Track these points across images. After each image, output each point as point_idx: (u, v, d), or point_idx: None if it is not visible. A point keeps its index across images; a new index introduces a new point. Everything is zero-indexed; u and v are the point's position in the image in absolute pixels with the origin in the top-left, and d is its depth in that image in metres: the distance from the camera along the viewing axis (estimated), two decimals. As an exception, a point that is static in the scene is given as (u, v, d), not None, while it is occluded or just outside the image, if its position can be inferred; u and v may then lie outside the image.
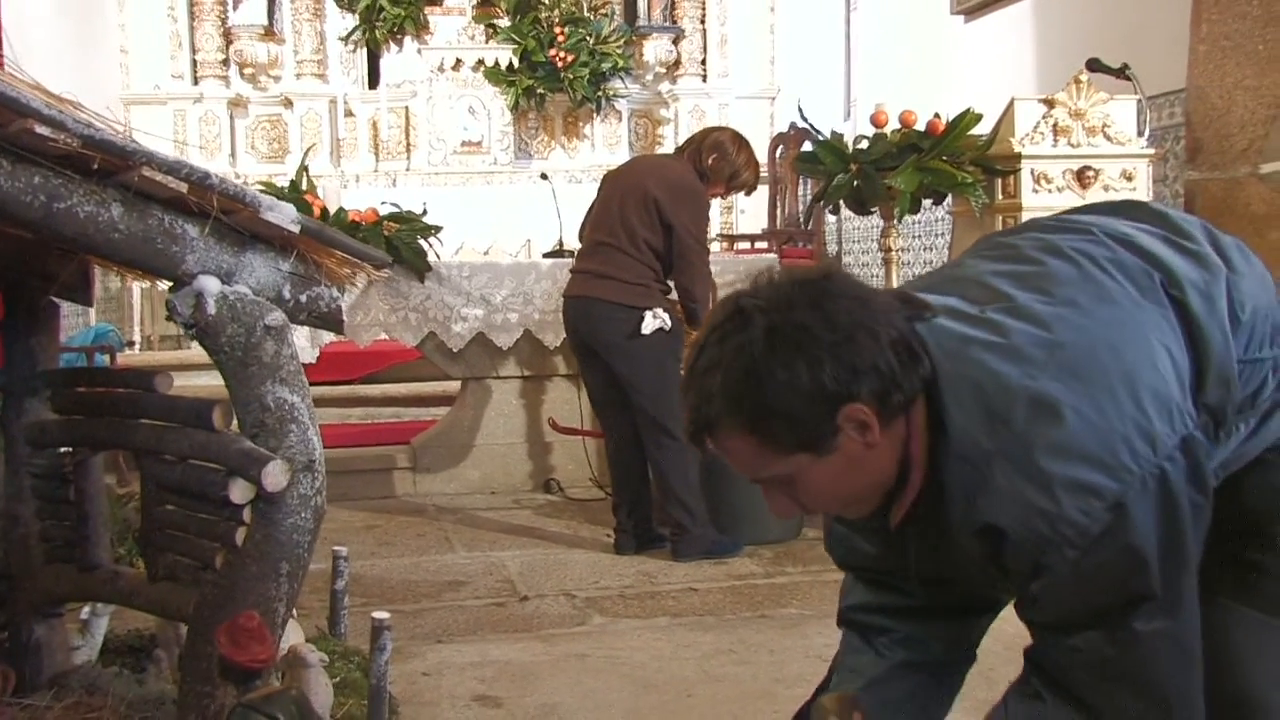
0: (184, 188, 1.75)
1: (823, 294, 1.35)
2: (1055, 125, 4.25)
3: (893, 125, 4.46)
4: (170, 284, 1.88)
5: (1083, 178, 4.25)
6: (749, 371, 1.32)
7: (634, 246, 4.13)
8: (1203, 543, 1.40)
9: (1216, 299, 1.44)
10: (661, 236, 4.12)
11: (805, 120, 5.38)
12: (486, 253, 8.51)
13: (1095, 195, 4.18)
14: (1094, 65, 4.47)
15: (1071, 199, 4.16)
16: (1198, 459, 1.36)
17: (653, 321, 4.09)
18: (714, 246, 6.55)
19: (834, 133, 4.80)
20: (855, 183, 4.43)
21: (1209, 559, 1.40)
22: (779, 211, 8.24)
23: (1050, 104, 4.26)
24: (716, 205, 5.91)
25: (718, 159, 4.23)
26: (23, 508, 2.25)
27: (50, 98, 1.63)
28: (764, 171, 5.80)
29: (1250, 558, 1.55)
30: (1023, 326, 1.37)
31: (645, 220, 4.12)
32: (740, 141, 4.32)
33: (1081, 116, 4.25)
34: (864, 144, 4.48)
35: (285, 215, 1.86)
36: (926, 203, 4.55)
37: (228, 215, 1.83)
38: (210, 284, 1.85)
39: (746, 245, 7.96)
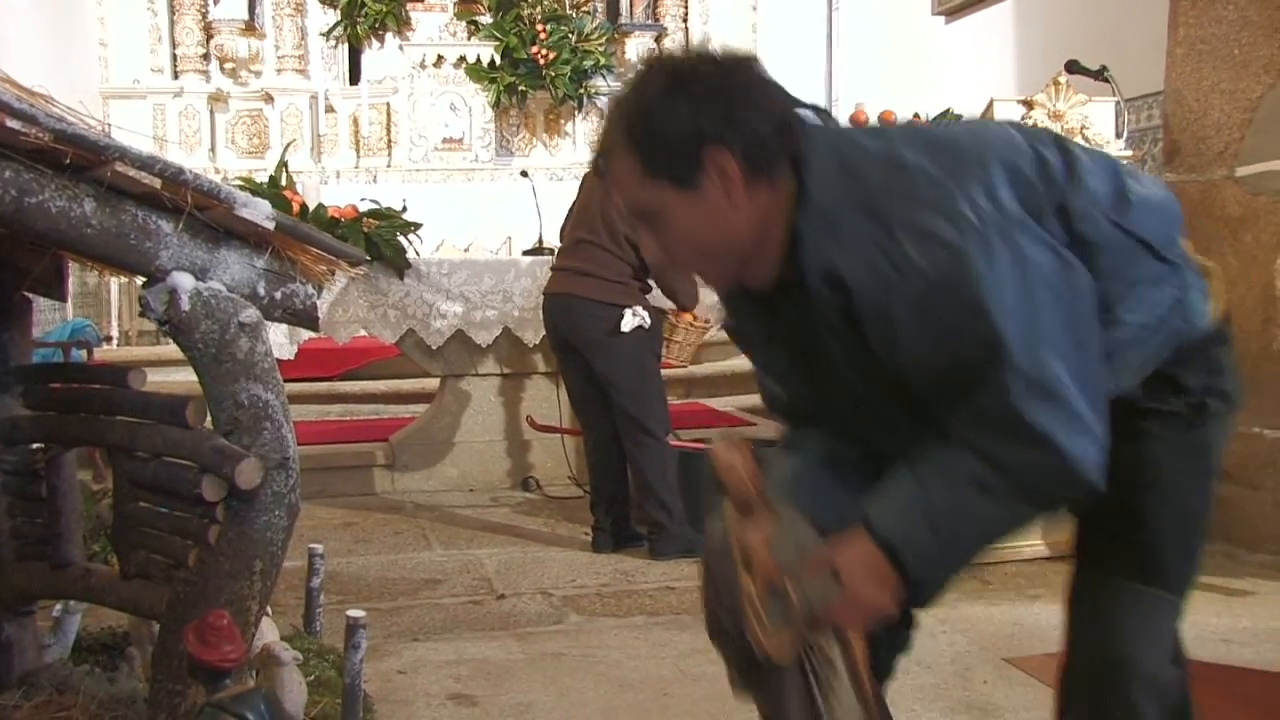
0: (158, 183, 1.73)
1: (738, 67, 1.49)
2: (1034, 126, 4.26)
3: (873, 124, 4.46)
4: (144, 280, 1.87)
5: (1061, 179, 4.27)
6: (643, 100, 1.48)
7: (615, 244, 4.13)
8: (1091, 312, 1.45)
9: (1101, 164, 1.57)
10: (643, 234, 4.11)
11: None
12: (467, 250, 8.49)
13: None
14: (1073, 67, 4.49)
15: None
16: (1054, 230, 1.46)
17: (632, 319, 4.08)
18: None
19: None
20: (835, 182, 4.43)
21: (1087, 535, 1.47)
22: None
23: (1029, 105, 4.27)
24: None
25: (699, 158, 4.23)
26: (-6, 504, 2.24)
27: (22, 91, 1.61)
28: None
29: (1121, 532, 1.65)
30: (899, 131, 1.54)
31: (627, 217, 4.11)
32: (721, 140, 4.32)
33: (1060, 118, 4.26)
34: (844, 143, 4.49)
35: (260, 211, 1.86)
36: (906, 202, 4.56)
37: (202, 211, 1.82)
38: (184, 280, 1.84)
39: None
